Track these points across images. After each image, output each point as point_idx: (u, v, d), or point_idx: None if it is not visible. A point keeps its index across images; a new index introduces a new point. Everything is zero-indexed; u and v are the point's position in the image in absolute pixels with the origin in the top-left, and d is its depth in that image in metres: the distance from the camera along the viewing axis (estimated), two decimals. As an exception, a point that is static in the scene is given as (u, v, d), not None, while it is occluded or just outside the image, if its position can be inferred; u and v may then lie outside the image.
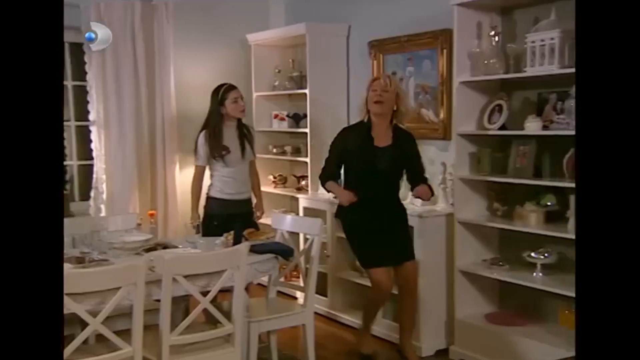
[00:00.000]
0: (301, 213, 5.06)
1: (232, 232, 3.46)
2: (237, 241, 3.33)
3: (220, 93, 4.24)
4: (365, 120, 3.89)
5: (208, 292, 2.97)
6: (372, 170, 3.81)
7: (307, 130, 5.24)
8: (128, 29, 5.25)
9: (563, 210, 3.64)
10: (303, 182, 5.40)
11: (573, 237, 3.40)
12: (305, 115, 5.39)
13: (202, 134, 4.27)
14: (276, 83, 5.71)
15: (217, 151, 4.18)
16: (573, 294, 3.39)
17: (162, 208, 5.42)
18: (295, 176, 5.58)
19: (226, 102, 4.21)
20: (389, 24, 4.86)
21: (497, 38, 3.88)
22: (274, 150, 5.71)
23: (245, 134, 4.33)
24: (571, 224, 3.51)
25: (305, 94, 5.25)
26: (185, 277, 2.82)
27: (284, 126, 5.66)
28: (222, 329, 2.97)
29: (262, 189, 5.74)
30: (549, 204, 3.73)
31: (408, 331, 3.94)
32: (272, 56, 5.82)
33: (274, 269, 3.48)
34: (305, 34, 5.13)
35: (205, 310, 2.98)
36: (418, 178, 3.88)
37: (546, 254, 3.68)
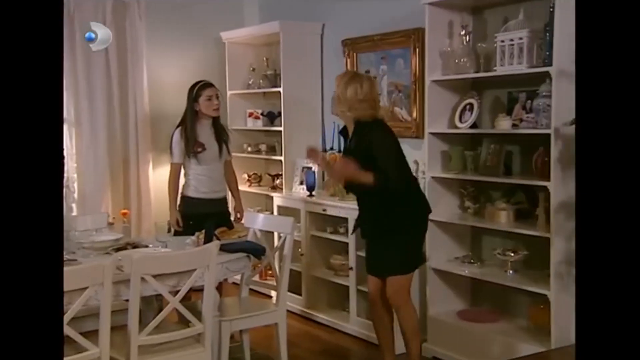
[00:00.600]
0: (275, 212, 5.06)
1: (203, 231, 3.45)
2: (208, 240, 3.32)
3: (195, 90, 4.21)
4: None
5: (178, 291, 2.96)
6: None
7: (281, 128, 5.24)
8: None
9: (532, 208, 3.68)
10: (278, 181, 5.40)
11: (542, 234, 3.45)
12: (280, 114, 5.39)
13: (177, 131, 4.23)
14: (251, 81, 5.69)
15: (191, 148, 4.13)
16: (543, 291, 3.43)
17: (135, 207, 5.39)
18: (270, 175, 5.57)
19: (200, 100, 4.17)
20: (363, 22, 4.87)
21: (467, 37, 3.91)
22: (249, 149, 5.70)
23: (220, 132, 4.29)
24: (540, 221, 3.55)
25: (279, 92, 5.24)
26: (155, 276, 2.81)
27: (259, 124, 5.65)
28: (192, 328, 2.96)
29: (237, 187, 5.78)
30: (518, 201, 3.77)
31: (406, 344, 3.56)
32: (247, 54, 5.80)
33: (245, 267, 3.47)
34: (279, 32, 5.12)
35: (177, 310, 2.96)
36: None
37: (516, 252, 3.71)
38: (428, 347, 4.03)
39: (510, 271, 3.71)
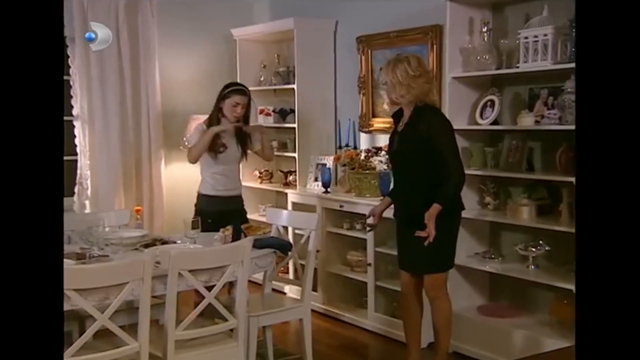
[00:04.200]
0: (290, 208, 5.06)
1: (228, 228, 3.45)
2: (236, 236, 3.32)
3: (225, 92, 4.15)
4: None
5: (209, 287, 2.96)
6: (390, 154, 3.63)
7: (294, 125, 5.25)
8: (112, 24, 5.17)
9: (555, 203, 3.71)
10: (291, 177, 5.40)
11: (565, 229, 3.48)
12: (292, 110, 5.40)
13: (202, 122, 4.22)
14: (262, 78, 5.69)
15: (212, 146, 4.09)
16: (564, 286, 3.47)
17: (147, 204, 5.38)
18: (282, 171, 5.57)
19: (226, 102, 4.11)
20: (377, 19, 4.88)
21: (488, 34, 3.94)
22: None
23: (242, 138, 4.21)
24: (564, 217, 3.58)
25: (292, 89, 5.25)
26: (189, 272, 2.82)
27: (270, 121, 5.65)
28: (226, 323, 2.96)
29: (248, 184, 5.78)
30: (540, 197, 3.80)
31: (437, 336, 3.60)
32: (258, 51, 5.80)
33: (271, 264, 3.48)
34: (294, 29, 5.13)
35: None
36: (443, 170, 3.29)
37: (538, 247, 3.75)
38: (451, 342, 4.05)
39: (532, 266, 3.75)
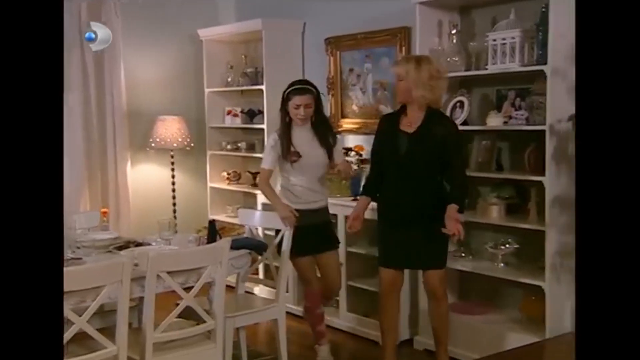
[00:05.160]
0: (259, 209, 5.05)
1: (204, 228, 3.44)
2: (212, 237, 3.31)
3: (286, 94, 3.74)
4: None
5: (185, 289, 2.94)
6: (393, 154, 3.46)
7: (263, 126, 5.24)
8: (75, 23, 5.09)
9: (523, 202, 3.80)
10: (260, 179, 5.39)
11: (533, 227, 3.58)
12: (260, 111, 5.39)
13: (272, 135, 3.79)
14: (229, 79, 5.67)
15: (285, 156, 3.69)
16: (533, 282, 3.56)
17: (114, 206, 5.30)
18: (250, 172, 5.56)
19: (289, 104, 3.70)
20: (345, 21, 4.92)
21: (457, 36, 4.01)
22: (228, 147, 5.68)
23: (324, 136, 3.77)
24: (532, 215, 3.67)
25: (260, 90, 5.25)
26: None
27: (237, 122, 5.64)
28: (204, 325, 2.95)
29: (215, 185, 5.76)
30: (508, 196, 3.88)
31: (439, 335, 3.64)
32: (224, 52, 5.77)
33: (246, 264, 3.48)
34: (262, 29, 5.12)
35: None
36: (447, 171, 3.41)
37: (507, 245, 3.83)
38: (420, 340, 4.12)
39: (502, 264, 3.83)
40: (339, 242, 4.01)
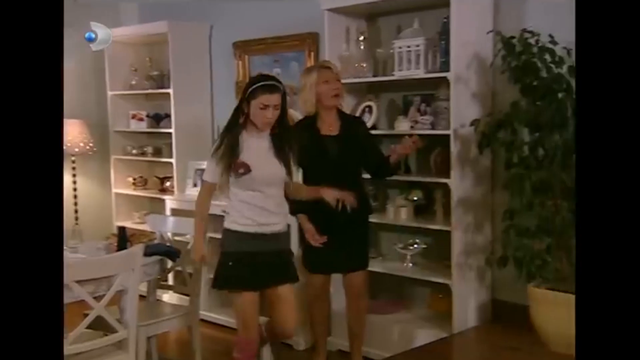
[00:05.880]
0: (168, 214, 4.96)
1: (113, 235, 3.35)
2: (122, 244, 3.22)
3: (249, 90, 3.03)
4: (312, 113, 3.52)
5: (95, 298, 2.86)
6: (321, 160, 3.42)
7: (170, 130, 5.16)
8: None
9: (430, 203, 3.94)
10: (168, 183, 5.30)
11: (439, 227, 3.72)
12: (167, 115, 5.30)
13: (217, 141, 3.18)
14: (133, 82, 5.53)
15: (230, 168, 3.09)
16: (440, 280, 3.70)
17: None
18: (157, 177, 5.44)
19: (252, 104, 3.02)
20: (253, 25, 4.93)
21: (364, 43, 4.11)
22: (133, 151, 5.54)
23: (281, 148, 3.15)
24: (438, 215, 3.83)
25: (167, 93, 5.16)
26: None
27: (142, 126, 5.51)
28: (116, 335, 2.87)
29: (120, 190, 5.59)
30: (416, 198, 4.02)
31: (356, 334, 3.72)
32: (127, 54, 5.64)
33: (158, 271, 3.41)
34: (167, 32, 5.04)
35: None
36: (380, 160, 3.52)
37: (415, 245, 3.96)
38: (333, 340, 4.17)
39: (410, 264, 3.96)
40: (296, 277, 3.27)
